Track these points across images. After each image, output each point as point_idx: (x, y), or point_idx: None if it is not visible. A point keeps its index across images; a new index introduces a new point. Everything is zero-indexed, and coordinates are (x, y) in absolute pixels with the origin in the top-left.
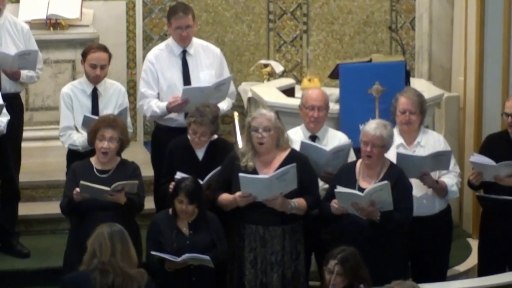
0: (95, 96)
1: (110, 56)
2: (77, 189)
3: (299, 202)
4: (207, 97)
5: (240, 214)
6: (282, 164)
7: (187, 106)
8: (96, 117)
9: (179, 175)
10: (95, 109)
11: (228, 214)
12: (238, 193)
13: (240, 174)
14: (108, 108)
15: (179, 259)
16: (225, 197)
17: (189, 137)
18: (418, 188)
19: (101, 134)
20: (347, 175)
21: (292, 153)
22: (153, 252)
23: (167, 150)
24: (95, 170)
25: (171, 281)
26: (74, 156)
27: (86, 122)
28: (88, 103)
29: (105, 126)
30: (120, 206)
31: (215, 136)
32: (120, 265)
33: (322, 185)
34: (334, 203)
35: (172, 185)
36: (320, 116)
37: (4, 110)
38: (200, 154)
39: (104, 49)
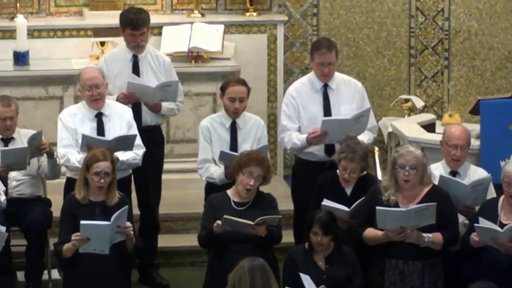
0: (234, 130)
1: (249, 89)
2: (219, 222)
3: (435, 236)
4: (346, 129)
5: (381, 248)
6: (424, 199)
7: (326, 138)
8: (232, 152)
9: (326, 202)
10: (233, 142)
11: (366, 247)
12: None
13: (378, 208)
14: (247, 141)
15: None
16: (371, 232)
17: (338, 173)
18: None
19: (250, 171)
20: (489, 211)
21: (434, 189)
22: None
23: (315, 186)
24: (232, 202)
25: None
26: (212, 188)
27: (222, 157)
28: (227, 136)
29: (255, 164)
30: (258, 238)
31: (364, 172)
32: None
33: (462, 220)
34: (474, 236)
35: None
36: (462, 155)
37: (140, 142)
38: (348, 189)
39: (243, 82)
